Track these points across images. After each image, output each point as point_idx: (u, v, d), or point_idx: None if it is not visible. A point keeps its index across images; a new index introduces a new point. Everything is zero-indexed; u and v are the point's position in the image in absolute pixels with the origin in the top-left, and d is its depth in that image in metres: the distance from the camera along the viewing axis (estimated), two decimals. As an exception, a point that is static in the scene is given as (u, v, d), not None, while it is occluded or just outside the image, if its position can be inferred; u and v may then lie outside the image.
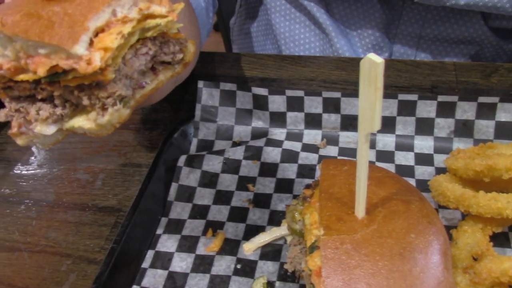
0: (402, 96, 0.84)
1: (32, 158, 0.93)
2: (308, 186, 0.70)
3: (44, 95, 0.55)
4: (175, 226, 0.78)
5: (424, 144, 0.84)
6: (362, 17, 1.09)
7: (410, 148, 0.84)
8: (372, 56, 0.43)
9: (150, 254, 0.74)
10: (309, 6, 1.11)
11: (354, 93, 0.86)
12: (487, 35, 1.05)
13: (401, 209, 0.57)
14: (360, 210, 0.56)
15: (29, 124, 0.57)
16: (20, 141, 0.59)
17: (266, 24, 1.28)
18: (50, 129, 0.56)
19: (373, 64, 0.44)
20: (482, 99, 0.82)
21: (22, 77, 0.53)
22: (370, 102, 0.46)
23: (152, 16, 0.56)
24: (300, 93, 0.87)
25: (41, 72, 0.50)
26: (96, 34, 0.51)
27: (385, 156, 0.84)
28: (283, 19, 1.19)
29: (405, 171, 0.81)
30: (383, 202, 0.58)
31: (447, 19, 1.03)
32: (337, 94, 0.86)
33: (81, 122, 0.56)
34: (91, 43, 0.50)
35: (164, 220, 0.79)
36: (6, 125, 1.00)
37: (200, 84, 0.91)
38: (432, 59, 1.10)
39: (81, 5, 0.50)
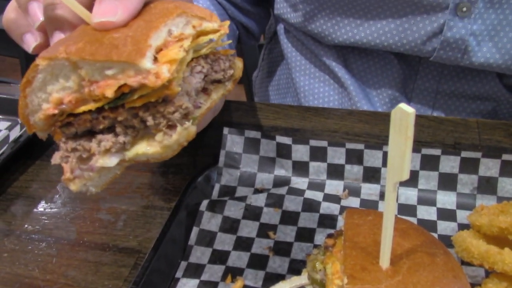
0: (425, 151, 0.85)
1: (57, 196, 0.95)
2: (330, 236, 0.70)
3: (105, 124, 0.55)
4: (194, 271, 0.77)
5: (447, 199, 0.84)
6: (379, 72, 1.11)
7: (432, 203, 0.84)
8: (404, 106, 0.45)
9: (168, 297, 0.74)
10: (328, 61, 1.15)
11: (377, 146, 0.87)
12: (503, 92, 1.07)
13: (426, 261, 0.57)
14: (385, 260, 0.55)
15: (85, 163, 0.57)
16: (74, 187, 0.59)
17: (286, 78, 1.32)
18: (112, 161, 0.56)
19: (404, 114, 0.45)
20: (506, 157, 0.82)
21: (83, 108, 0.54)
22: (400, 151, 0.47)
23: (204, 33, 0.58)
24: (323, 143, 0.88)
25: (109, 93, 0.51)
26: (157, 52, 0.52)
27: (408, 209, 0.83)
28: (303, 74, 1.23)
29: (428, 225, 0.80)
30: (408, 253, 0.58)
31: (463, 75, 1.05)
32: (360, 146, 0.87)
33: (145, 147, 0.56)
34: (154, 59, 0.52)
35: (183, 264, 0.79)
36: (33, 162, 1.02)
37: (226, 131, 0.93)
38: (449, 114, 1.12)
39: (140, 27, 0.53)
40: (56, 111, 0.56)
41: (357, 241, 0.60)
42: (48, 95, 0.56)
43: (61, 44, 0.54)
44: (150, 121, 0.54)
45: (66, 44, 0.53)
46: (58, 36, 0.60)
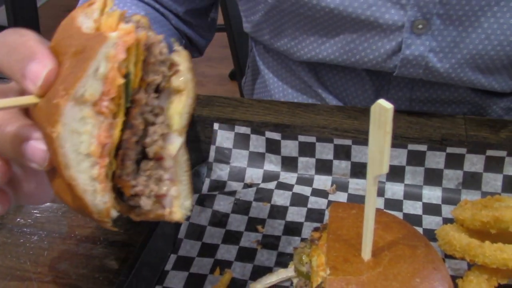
0: (412, 146, 0.86)
1: (48, 190, 0.96)
2: (316, 229, 0.71)
3: (142, 123, 0.54)
4: (183, 264, 0.79)
5: (432, 194, 0.86)
6: (351, 84, 1.13)
7: (418, 197, 0.86)
8: (382, 101, 0.46)
9: (157, 289, 0.75)
10: (301, 74, 1.16)
11: (365, 142, 0.88)
12: (475, 95, 1.08)
13: (407, 253, 0.59)
14: (366, 252, 0.57)
15: (159, 185, 0.56)
16: (179, 216, 0.57)
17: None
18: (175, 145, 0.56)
19: (383, 110, 0.46)
20: (490, 153, 0.84)
21: (117, 129, 0.51)
22: (379, 145, 0.48)
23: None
24: (312, 139, 0.90)
25: (119, 80, 0.50)
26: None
27: (394, 204, 0.85)
28: (276, 80, 1.24)
29: (413, 220, 0.82)
30: (390, 246, 0.59)
31: (435, 82, 1.06)
32: (348, 142, 0.89)
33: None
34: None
35: (173, 257, 0.80)
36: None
37: (216, 126, 0.94)
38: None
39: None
40: (104, 161, 0.51)
41: (341, 234, 0.61)
42: (89, 160, 0.51)
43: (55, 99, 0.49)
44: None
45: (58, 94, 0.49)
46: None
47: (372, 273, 0.56)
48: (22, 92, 0.55)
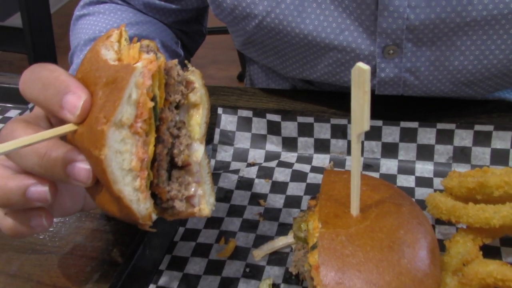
0: (404, 124, 0.91)
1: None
2: (313, 198, 0.77)
3: (170, 138, 0.63)
4: (191, 235, 0.85)
5: (424, 168, 0.91)
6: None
7: (411, 171, 0.91)
8: (361, 64, 0.52)
9: (167, 258, 0.81)
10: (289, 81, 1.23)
11: (360, 121, 0.94)
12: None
13: (392, 210, 0.64)
14: (354, 208, 0.62)
15: (188, 189, 0.64)
16: (206, 212, 0.65)
17: None
18: (200, 151, 0.66)
19: (361, 71, 0.52)
20: (478, 127, 0.89)
21: (151, 144, 0.60)
22: (360, 104, 0.53)
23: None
24: (310, 119, 0.95)
25: (149, 104, 0.59)
26: None
27: (388, 178, 0.90)
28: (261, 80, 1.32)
29: (406, 191, 0.85)
30: (377, 204, 0.64)
31: None
32: (344, 121, 0.94)
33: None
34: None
35: (181, 230, 0.86)
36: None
37: (220, 110, 1.00)
38: None
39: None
40: (144, 173, 0.59)
41: (332, 194, 0.67)
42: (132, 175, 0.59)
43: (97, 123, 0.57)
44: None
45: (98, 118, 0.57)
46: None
47: (360, 226, 0.61)
48: (51, 118, 0.65)
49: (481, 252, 0.72)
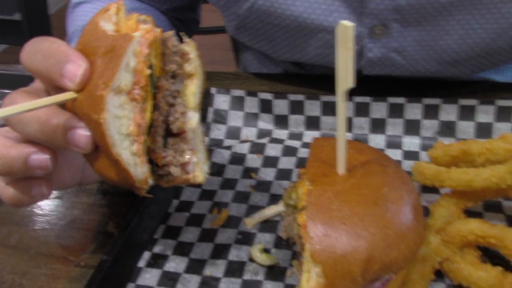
0: (391, 100, 0.94)
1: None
2: (303, 167, 0.79)
3: (167, 106, 0.67)
4: (184, 207, 0.87)
5: (411, 142, 0.94)
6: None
7: (399, 146, 0.94)
8: (345, 22, 0.54)
9: (161, 228, 0.84)
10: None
11: (349, 98, 0.97)
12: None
13: (378, 170, 0.66)
14: (341, 167, 0.65)
15: (183, 156, 0.67)
16: (200, 179, 0.68)
17: None
18: (194, 120, 0.69)
19: (345, 28, 0.54)
20: (462, 102, 0.92)
21: (148, 111, 0.63)
22: (345, 62, 0.56)
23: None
24: (301, 97, 0.98)
25: (146, 71, 0.62)
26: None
27: (376, 152, 0.93)
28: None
29: (393, 164, 0.90)
30: (363, 164, 0.67)
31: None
32: (334, 98, 0.97)
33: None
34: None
35: (175, 202, 0.88)
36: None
37: (213, 90, 1.03)
38: None
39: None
40: (141, 138, 0.63)
41: (320, 156, 0.69)
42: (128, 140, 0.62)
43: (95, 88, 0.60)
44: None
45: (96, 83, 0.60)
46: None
47: (346, 183, 0.64)
48: (51, 91, 0.67)
49: (463, 215, 0.75)
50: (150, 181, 0.65)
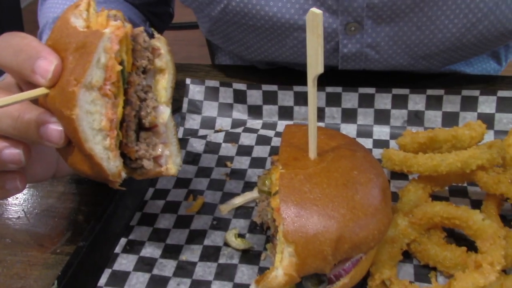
0: (362, 90, 0.97)
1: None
2: (276, 154, 0.81)
3: (137, 103, 0.67)
4: (160, 195, 0.88)
5: (381, 131, 0.97)
6: None
7: (369, 135, 0.97)
8: (314, 9, 0.56)
9: (137, 215, 0.85)
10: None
11: (321, 88, 0.99)
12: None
13: (348, 154, 0.69)
14: (312, 151, 0.67)
15: (155, 149, 0.68)
16: (173, 171, 0.69)
17: None
18: (165, 114, 0.70)
19: (315, 16, 0.56)
20: (430, 92, 0.95)
21: (120, 106, 0.64)
22: (314, 48, 0.58)
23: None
24: (274, 87, 1.00)
25: (117, 67, 0.63)
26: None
27: (348, 141, 0.95)
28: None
29: (364, 152, 0.92)
30: (333, 149, 0.69)
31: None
32: (306, 89, 0.98)
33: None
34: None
35: (151, 190, 0.89)
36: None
37: (188, 81, 1.04)
38: None
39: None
40: (113, 133, 0.63)
41: (292, 142, 0.71)
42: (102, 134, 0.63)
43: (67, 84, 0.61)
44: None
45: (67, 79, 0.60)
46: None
47: (317, 167, 0.66)
48: (22, 86, 0.68)
49: (430, 199, 0.78)
50: (123, 175, 0.66)
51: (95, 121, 0.62)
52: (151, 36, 0.72)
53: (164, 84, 0.72)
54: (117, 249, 0.79)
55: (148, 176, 0.70)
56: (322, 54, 0.58)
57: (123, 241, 0.80)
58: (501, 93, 0.93)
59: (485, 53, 1.21)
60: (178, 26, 2.46)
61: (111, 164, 0.64)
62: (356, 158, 0.69)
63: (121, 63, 0.64)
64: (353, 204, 0.63)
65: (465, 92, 0.94)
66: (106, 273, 0.75)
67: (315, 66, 0.59)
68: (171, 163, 0.70)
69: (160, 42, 0.72)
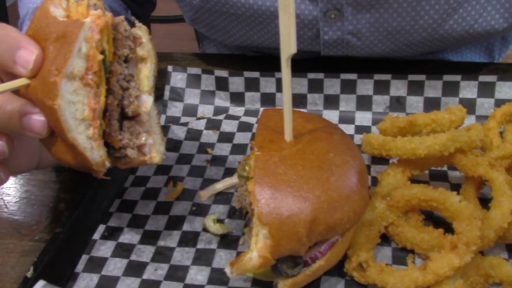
0: (344, 76, 0.97)
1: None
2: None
3: (120, 91, 0.67)
4: (140, 181, 0.88)
5: (363, 117, 0.96)
6: None
7: (351, 121, 0.96)
8: (285, -13, 0.56)
9: (117, 202, 0.84)
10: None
11: (303, 74, 0.98)
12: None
13: (324, 136, 0.69)
14: (288, 133, 0.67)
15: (138, 137, 0.68)
16: (157, 160, 0.69)
17: None
18: (148, 102, 0.70)
19: (286, -6, 0.56)
20: (411, 77, 0.95)
21: (102, 95, 0.63)
22: (287, 28, 0.58)
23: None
24: (256, 74, 1.00)
25: (98, 56, 0.63)
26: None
27: (329, 127, 0.95)
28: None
29: (346, 138, 0.92)
30: (310, 132, 0.69)
31: None
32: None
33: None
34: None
35: (131, 177, 0.89)
36: None
37: (170, 68, 1.03)
38: None
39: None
40: (96, 122, 0.63)
41: (269, 125, 0.71)
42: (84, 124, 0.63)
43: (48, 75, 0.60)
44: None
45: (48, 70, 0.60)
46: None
47: (293, 149, 0.66)
48: (2, 77, 0.66)
49: (409, 183, 0.78)
50: (107, 164, 0.66)
51: (77, 111, 0.62)
52: (132, 25, 0.72)
53: (146, 73, 0.72)
54: (96, 236, 0.78)
55: (132, 165, 0.70)
56: (294, 33, 0.58)
57: (101, 227, 0.80)
58: (483, 78, 0.93)
59: (475, 44, 1.20)
60: (168, 19, 2.45)
61: (95, 153, 0.64)
62: (333, 141, 0.68)
63: (102, 53, 0.64)
64: (328, 185, 0.63)
65: (447, 77, 0.94)
66: (84, 259, 0.75)
67: (288, 45, 0.59)
68: (155, 151, 0.70)
69: (141, 30, 0.71)
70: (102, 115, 0.65)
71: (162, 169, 0.90)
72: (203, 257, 0.74)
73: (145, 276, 0.72)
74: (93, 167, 0.65)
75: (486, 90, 0.93)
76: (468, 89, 0.93)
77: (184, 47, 3.83)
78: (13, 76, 0.62)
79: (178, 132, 0.96)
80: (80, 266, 0.74)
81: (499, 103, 0.92)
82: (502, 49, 1.27)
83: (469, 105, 0.92)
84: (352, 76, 0.97)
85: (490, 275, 0.64)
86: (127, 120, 0.69)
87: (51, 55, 0.60)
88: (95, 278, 0.72)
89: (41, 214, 0.85)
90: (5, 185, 0.91)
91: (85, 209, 0.81)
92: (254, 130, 0.96)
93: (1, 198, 0.88)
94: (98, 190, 0.85)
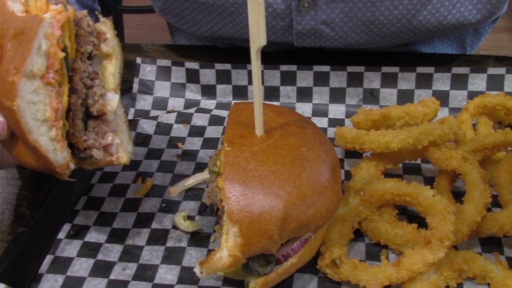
0: (317, 68, 0.95)
1: None
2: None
3: (83, 90, 0.64)
4: (107, 177, 0.85)
5: (337, 110, 0.95)
6: None
7: (325, 114, 0.95)
8: (249, -23, 0.54)
9: (83, 199, 0.81)
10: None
11: (276, 67, 0.96)
12: None
13: (296, 131, 0.67)
14: (258, 128, 0.65)
15: (104, 137, 0.65)
16: (124, 160, 0.67)
17: None
18: (114, 101, 0.67)
19: (254, -16, 0.54)
20: (385, 69, 0.93)
21: (65, 95, 0.60)
22: (256, 19, 0.56)
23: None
24: (227, 66, 0.97)
25: (60, 54, 0.60)
26: None
27: (302, 120, 0.93)
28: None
29: (319, 131, 0.91)
30: (281, 126, 0.67)
31: None
32: (260, 67, 0.96)
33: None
34: None
35: (98, 173, 0.86)
36: None
37: (139, 60, 1.00)
38: None
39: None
40: (59, 123, 0.60)
41: (239, 119, 0.69)
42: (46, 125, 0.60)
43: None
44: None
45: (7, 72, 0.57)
46: None
47: (264, 144, 0.64)
48: None
49: (383, 177, 0.77)
50: (72, 166, 0.63)
51: (38, 112, 0.59)
52: (96, 19, 0.68)
53: (111, 70, 0.69)
54: (61, 235, 0.75)
55: (98, 166, 0.68)
56: (264, 24, 0.56)
57: (67, 226, 0.77)
58: (456, 70, 0.92)
59: (447, 36, 1.20)
60: (141, 9, 2.39)
61: (58, 155, 0.61)
62: (305, 135, 0.67)
63: (64, 50, 0.60)
64: (300, 181, 0.61)
65: (420, 70, 0.93)
66: (48, 260, 0.72)
67: (257, 37, 0.57)
68: (122, 151, 0.68)
69: (105, 26, 0.68)
70: (66, 115, 0.62)
71: (130, 164, 0.85)
72: (172, 256, 0.72)
73: (112, 276, 0.69)
74: (57, 169, 0.62)
75: (459, 82, 0.93)
76: (442, 81, 0.93)
77: (158, 37, 3.77)
78: None
79: (147, 126, 0.94)
80: (44, 267, 0.71)
81: (472, 95, 0.91)
82: (474, 41, 1.27)
83: (443, 97, 0.91)
84: (325, 68, 0.95)
85: (463, 270, 0.64)
86: (92, 120, 0.66)
87: (9, 53, 0.57)
88: (60, 279, 0.69)
89: (3, 213, 0.81)
90: (-34, 182, 0.87)
91: (50, 207, 0.78)
92: (225, 124, 0.94)
93: (-38, 196, 0.84)
94: (63, 187, 0.82)
